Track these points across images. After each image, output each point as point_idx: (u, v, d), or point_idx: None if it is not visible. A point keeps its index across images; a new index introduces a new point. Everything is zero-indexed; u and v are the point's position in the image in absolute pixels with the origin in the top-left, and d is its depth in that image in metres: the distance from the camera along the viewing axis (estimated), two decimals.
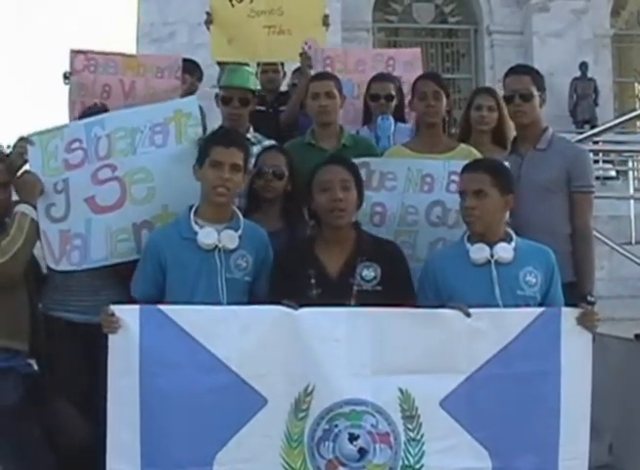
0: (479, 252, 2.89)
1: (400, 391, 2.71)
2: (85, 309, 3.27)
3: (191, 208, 3.00)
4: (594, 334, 2.84)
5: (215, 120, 4.20)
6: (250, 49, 4.65)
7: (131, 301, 2.95)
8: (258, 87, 4.45)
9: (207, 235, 2.91)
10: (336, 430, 2.69)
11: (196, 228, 2.94)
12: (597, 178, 7.94)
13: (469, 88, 11.80)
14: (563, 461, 2.76)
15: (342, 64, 4.76)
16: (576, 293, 3.23)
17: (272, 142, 3.94)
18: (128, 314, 2.71)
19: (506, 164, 3.17)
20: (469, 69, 13.46)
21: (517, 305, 2.85)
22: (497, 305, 2.84)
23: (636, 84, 14.66)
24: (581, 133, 7.95)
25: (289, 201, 3.46)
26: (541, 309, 2.83)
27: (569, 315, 2.81)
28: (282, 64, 5.12)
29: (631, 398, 3.97)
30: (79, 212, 3.19)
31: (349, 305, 2.83)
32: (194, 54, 5.78)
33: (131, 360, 2.68)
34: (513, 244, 2.92)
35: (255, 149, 3.69)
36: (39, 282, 3.34)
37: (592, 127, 10.63)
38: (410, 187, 3.37)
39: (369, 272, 2.90)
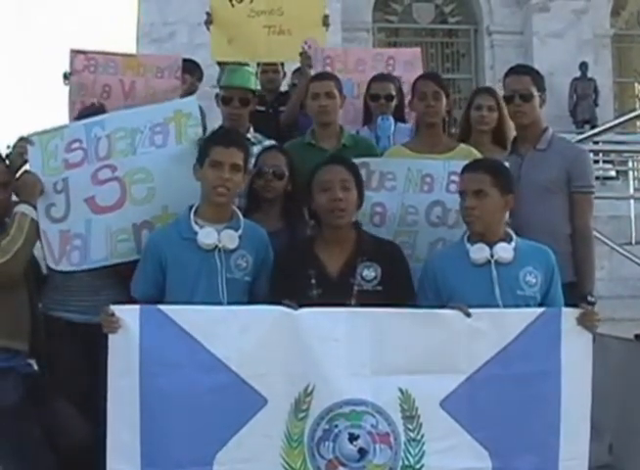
0: (478, 252, 2.89)
1: (400, 391, 2.71)
2: (85, 309, 3.27)
3: (191, 208, 3.00)
4: (594, 334, 2.84)
5: (215, 120, 4.20)
6: (250, 49, 4.65)
7: (131, 301, 2.95)
8: (258, 87, 4.44)
9: (208, 235, 2.91)
10: (336, 430, 2.69)
11: (196, 228, 2.94)
12: (597, 178, 7.92)
13: (469, 88, 11.79)
14: (563, 461, 2.76)
15: (341, 63, 4.76)
16: (577, 293, 3.23)
17: (272, 142, 3.94)
18: (128, 314, 2.71)
19: (506, 164, 3.17)
20: (469, 69, 13.46)
21: (517, 306, 2.85)
22: (497, 306, 2.84)
23: (636, 84, 14.65)
24: (581, 133, 7.95)
25: (289, 201, 3.46)
26: (541, 310, 2.83)
27: (569, 315, 2.81)
28: (282, 64, 5.12)
29: (631, 398, 3.97)
30: (79, 213, 3.18)
31: (350, 305, 2.83)
32: (194, 54, 5.78)
33: (131, 360, 2.68)
34: (513, 244, 2.92)
35: (256, 149, 3.69)
36: (39, 282, 3.34)
37: (592, 127, 10.63)
38: (410, 187, 3.37)
39: (369, 272, 2.90)
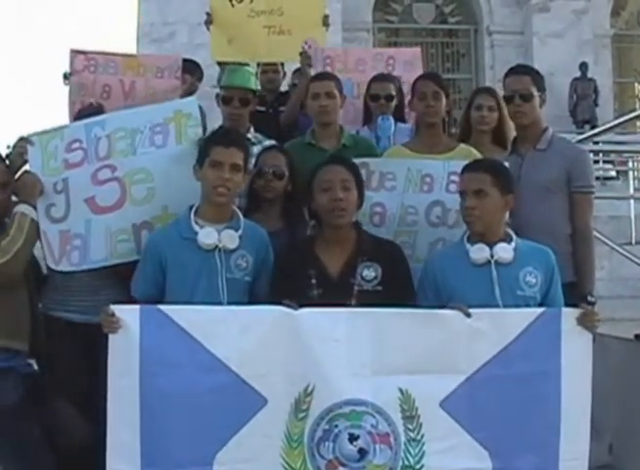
0: (478, 252, 2.89)
1: (400, 391, 2.71)
2: (85, 309, 3.27)
3: (191, 208, 3.00)
4: (594, 334, 2.84)
5: (216, 120, 4.20)
6: (250, 49, 4.65)
7: (131, 301, 2.95)
8: (259, 87, 4.44)
9: (208, 235, 2.91)
10: (336, 430, 2.69)
11: (196, 228, 2.94)
12: (597, 178, 7.92)
13: (469, 88, 11.79)
14: (563, 461, 2.76)
15: (341, 63, 4.76)
16: (577, 293, 3.23)
17: (272, 142, 3.94)
18: (128, 314, 2.71)
19: (506, 164, 3.17)
20: (469, 69, 13.46)
21: (517, 306, 2.85)
22: (497, 306, 2.84)
23: (636, 84, 14.65)
24: (581, 133, 7.95)
25: (289, 201, 3.46)
26: (541, 310, 2.83)
27: (569, 316, 2.81)
28: (282, 64, 5.12)
29: (631, 398, 3.98)
30: (79, 213, 3.18)
31: (350, 305, 2.83)
32: (194, 54, 5.79)
33: (131, 360, 2.68)
34: (513, 244, 2.92)
35: (256, 149, 3.69)
36: (39, 282, 3.33)
37: (592, 128, 10.64)
38: (410, 187, 3.37)
39: (370, 272, 2.90)
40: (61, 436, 3.06)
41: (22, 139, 3.26)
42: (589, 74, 12.23)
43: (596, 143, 8.00)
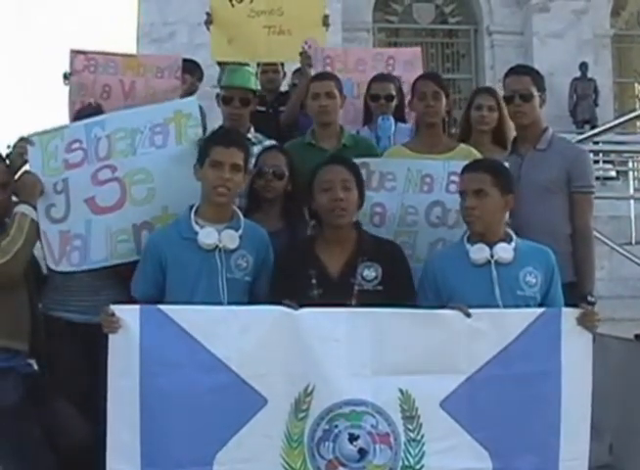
0: (478, 252, 2.89)
1: (400, 391, 2.71)
2: (85, 309, 3.27)
3: (191, 208, 3.00)
4: (594, 334, 2.84)
5: (216, 120, 4.20)
6: (250, 49, 4.65)
7: (131, 301, 2.95)
8: (259, 87, 4.44)
9: (208, 235, 2.91)
10: (336, 430, 2.69)
11: (196, 228, 2.94)
12: (597, 178, 7.91)
13: (469, 88, 11.79)
14: (563, 462, 2.76)
15: (341, 63, 4.76)
16: (577, 293, 3.23)
17: (273, 142, 3.94)
18: (128, 314, 2.71)
19: (506, 164, 3.17)
20: (469, 69, 13.46)
21: (517, 306, 2.85)
22: (497, 306, 2.84)
23: (636, 85, 14.65)
24: (581, 133, 7.95)
25: (289, 201, 3.46)
26: (541, 310, 2.83)
27: (569, 316, 2.81)
28: (282, 64, 5.12)
29: (631, 398, 3.98)
30: (79, 213, 3.18)
31: (350, 305, 2.83)
32: (194, 54, 5.79)
33: (131, 360, 2.68)
34: (513, 244, 2.92)
35: (256, 149, 3.69)
36: (39, 282, 3.33)
37: (592, 128, 10.64)
38: (410, 187, 3.37)
39: (370, 272, 2.90)
40: (61, 436, 3.06)
41: (22, 139, 3.26)
42: (589, 74, 12.23)
43: (596, 143, 8.00)
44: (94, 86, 4.58)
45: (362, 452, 2.69)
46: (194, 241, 2.92)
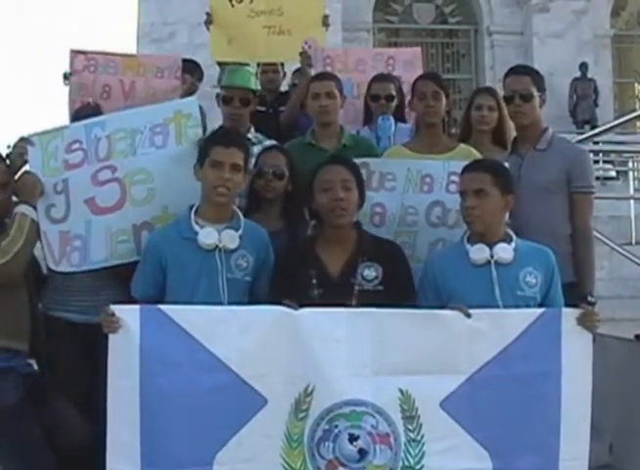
0: (478, 252, 2.89)
1: (400, 391, 2.71)
2: (85, 309, 3.27)
3: (191, 207, 3.00)
4: (594, 334, 2.84)
5: (216, 120, 4.20)
6: (249, 49, 4.65)
7: (131, 301, 2.95)
8: (259, 87, 4.44)
9: (208, 235, 2.91)
10: (336, 430, 2.69)
11: (196, 228, 2.94)
12: (597, 179, 7.93)
13: (469, 88, 11.79)
14: (563, 462, 2.76)
15: (342, 63, 4.76)
16: (577, 293, 3.23)
17: (273, 142, 3.94)
18: (128, 314, 2.71)
19: (506, 164, 3.17)
20: (469, 69, 13.46)
21: (517, 306, 2.85)
22: (497, 306, 2.84)
23: (636, 85, 14.65)
24: (581, 134, 7.95)
25: (289, 201, 3.46)
26: (542, 310, 2.82)
27: (569, 316, 2.81)
28: (282, 64, 5.12)
29: (631, 398, 3.98)
30: (79, 214, 3.18)
31: (351, 305, 2.83)
32: (194, 54, 5.79)
33: (131, 360, 2.68)
34: (513, 244, 2.92)
35: (256, 149, 3.69)
36: (39, 282, 3.33)
37: (592, 128, 10.63)
38: (410, 187, 3.37)
39: (370, 272, 2.90)
40: (61, 436, 3.06)
41: (22, 139, 3.26)
42: (589, 75, 12.23)
43: (596, 143, 8.00)
44: (94, 86, 4.58)
45: (362, 453, 2.68)
46: (194, 241, 2.92)
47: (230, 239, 2.93)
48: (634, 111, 11.27)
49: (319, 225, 3.06)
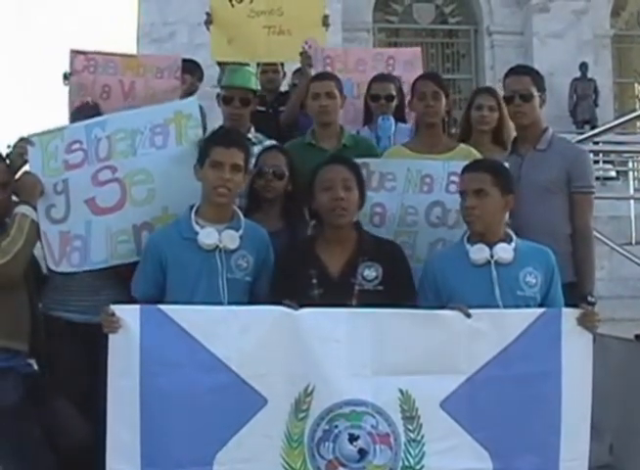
0: (478, 252, 2.89)
1: (400, 391, 2.71)
2: (85, 309, 3.27)
3: (192, 208, 3.00)
4: (594, 334, 2.84)
5: (216, 120, 4.20)
6: (249, 49, 4.65)
7: (131, 301, 2.95)
8: (259, 87, 4.44)
9: (208, 235, 2.91)
10: (336, 430, 2.69)
11: (196, 228, 2.94)
12: (597, 179, 7.93)
13: (469, 89, 11.80)
14: (563, 462, 2.76)
15: (342, 63, 4.76)
16: (577, 293, 3.23)
17: (273, 142, 3.94)
18: (129, 314, 2.71)
19: (506, 164, 3.17)
20: (469, 69, 13.46)
21: (517, 306, 2.85)
22: (497, 306, 2.84)
23: (636, 85, 14.64)
24: (581, 134, 7.94)
25: (289, 201, 3.46)
26: (542, 310, 2.83)
27: (569, 316, 2.81)
28: (282, 64, 5.12)
29: (632, 398, 3.97)
30: (79, 214, 3.18)
31: (351, 305, 2.83)
32: (194, 54, 5.79)
33: (131, 360, 2.68)
34: (513, 244, 2.92)
35: (256, 149, 3.69)
36: (39, 282, 3.33)
37: (592, 128, 10.64)
38: (410, 188, 3.37)
39: (370, 272, 2.90)
40: (61, 436, 3.06)
41: (22, 139, 3.26)
42: (589, 75, 12.23)
43: (596, 143, 7.98)
44: (94, 86, 4.58)
45: (362, 453, 2.69)
46: (194, 241, 2.92)
47: (230, 239, 2.93)
48: (634, 111, 11.27)
49: (319, 225, 3.06)
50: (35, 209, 3.12)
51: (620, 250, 5.71)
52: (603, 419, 3.46)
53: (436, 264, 3.00)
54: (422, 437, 2.71)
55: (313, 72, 4.35)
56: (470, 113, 4.09)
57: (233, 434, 2.68)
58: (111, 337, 2.69)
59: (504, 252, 2.88)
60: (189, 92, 4.66)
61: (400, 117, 4.32)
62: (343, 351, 2.71)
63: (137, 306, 2.77)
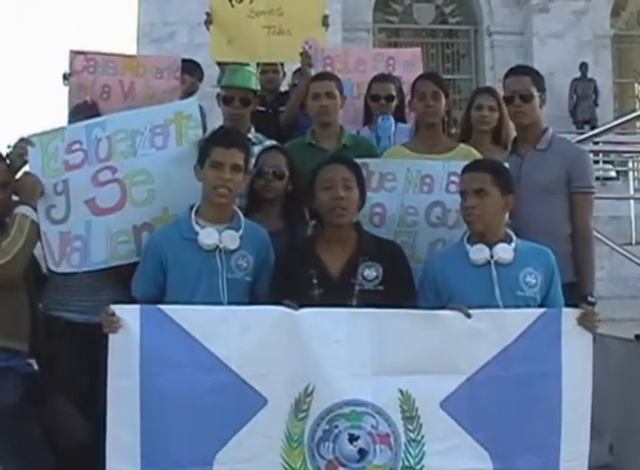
0: (478, 252, 2.89)
1: (400, 391, 2.71)
2: (85, 309, 3.27)
3: (192, 208, 3.00)
4: (594, 334, 2.84)
5: (216, 120, 4.20)
6: (249, 49, 4.65)
7: (131, 301, 2.95)
8: (259, 88, 4.44)
9: (208, 235, 2.91)
10: (336, 430, 2.69)
11: (197, 228, 2.94)
12: (597, 179, 7.94)
13: (469, 89, 11.80)
14: (564, 462, 2.76)
15: (342, 63, 4.76)
16: (577, 293, 3.23)
17: (273, 142, 3.94)
18: (129, 314, 2.71)
19: (506, 164, 3.17)
20: (469, 69, 13.47)
21: (517, 306, 2.85)
22: (497, 306, 2.84)
23: (636, 85, 14.64)
24: (581, 134, 7.94)
25: (289, 201, 3.46)
26: (542, 310, 2.83)
27: (569, 316, 2.81)
28: (282, 64, 5.12)
29: (632, 398, 3.98)
30: (79, 214, 3.18)
31: (351, 305, 2.83)
32: (194, 54, 5.79)
33: (131, 360, 2.68)
34: (513, 245, 2.92)
35: (257, 149, 3.69)
36: (39, 282, 3.33)
37: (592, 128, 10.63)
38: (410, 188, 3.37)
39: (371, 272, 2.90)
40: (61, 436, 3.06)
41: (22, 140, 3.26)
42: (589, 75, 12.23)
43: (596, 143, 7.98)
44: (93, 87, 4.58)
45: (362, 453, 2.69)
46: (194, 241, 2.92)
47: (230, 239, 2.93)
48: (634, 111, 11.28)
49: (319, 225, 3.06)
50: (35, 209, 3.12)
51: (620, 250, 5.71)
52: (603, 419, 3.46)
53: (436, 265, 3.00)
54: (422, 437, 2.71)
55: (313, 73, 4.35)
56: (470, 113, 4.09)
57: (233, 434, 2.68)
58: (111, 337, 2.69)
59: (504, 252, 2.88)
60: (189, 92, 4.66)
61: (400, 118, 4.32)
62: (344, 351, 2.71)
63: (137, 306, 2.77)
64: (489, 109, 4.00)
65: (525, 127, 3.56)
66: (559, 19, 12.23)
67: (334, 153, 3.55)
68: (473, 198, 2.90)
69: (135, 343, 2.68)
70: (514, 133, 3.76)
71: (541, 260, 2.94)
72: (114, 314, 2.70)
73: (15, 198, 3.19)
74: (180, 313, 2.72)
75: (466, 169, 3.00)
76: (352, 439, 2.69)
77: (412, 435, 2.71)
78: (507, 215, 3.01)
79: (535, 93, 3.51)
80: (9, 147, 3.31)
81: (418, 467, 2.70)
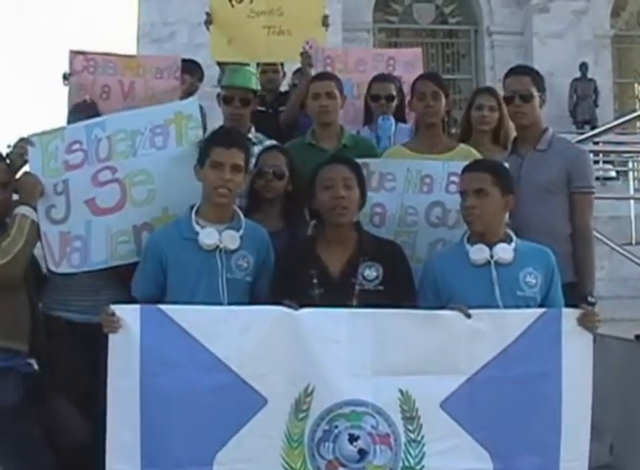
0: (478, 252, 2.89)
1: (400, 392, 2.71)
2: (85, 309, 3.27)
3: (192, 208, 3.00)
4: (595, 335, 2.84)
5: (216, 120, 4.20)
6: (249, 49, 4.65)
7: (131, 301, 2.95)
8: (259, 88, 4.44)
9: (209, 235, 2.91)
10: (336, 431, 2.69)
11: (197, 228, 2.94)
12: (597, 179, 7.93)
13: (469, 89, 11.81)
14: (564, 462, 2.76)
15: (342, 63, 4.76)
16: (577, 293, 3.23)
17: (273, 142, 3.94)
18: (129, 314, 2.71)
19: (506, 164, 3.17)
20: (469, 69, 13.47)
21: (517, 306, 2.85)
22: (497, 306, 2.84)
23: (636, 85, 14.65)
24: (581, 134, 7.94)
25: (289, 201, 3.46)
26: (542, 310, 2.82)
27: (569, 316, 2.81)
28: (282, 64, 5.12)
29: (632, 398, 3.98)
30: (79, 214, 3.18)
31: (351, 305, 2.83)
32: (194, 54, 5.79)
33: (131, 360, 2.68)
34: (513, 245, 2.92)
35: (257, 149, 3.69)
36: (39, 282, 3.33)
37: (592, 128, 10.63)
38: (409, 188, 3.37)
39: (371, 272, 2.90)
40: (61, 436, 3.06)
41: (22, 139, 3.26)
42: (589, 75, 12.24)
43: (596, 143, 7.97)
44: (93, 87, 4.58)
45: (362, 453, 2.69)
46: (194, 241, 2.92)
47: (231, 239, 2.93)
48: (634, 111, 11.29)
49: (319, 225, 3.06)
50: (35, 209, 3.12)
51: (620, 250, 5.71)
52: (603, 419, 3.46)
53: (436, 265, 3.00)
54: (422, 437, 2.71)
55: (313, 73, 4.35)
56: (470, 113, 4.09)
57: (233, 434, 2.68)
58: (111, 337, 2.69)
59: (504, 252, 2.88)
60: (189, 92, 4.66)
61: (400, 118, 4.32)
62: (344, 351, 2.71)
63: (137, 306, 2.77)
64: (489, 109, 4.00)
65: (525, 127, 3.56)
66: (559, 19, 12.24)
67: (334, 153, 3.55)
68: (473, 198, 2.90)
69: (135, 343, 2.68)
70: (514, 133, 3.76)
71: (541, 261, 2.93)
72: (114, 314, 2.70)
73: (15, 197, 3.19)
74: (180, 313, 2.72)
75: (466, 169, 3.00)
76: (352, 439, 2.69)
77: (412, 435, 2.71)
78: (507, 215, 3.01)
79: (535, 93, 3.51)
80: (9, 147, 3.31)
81: (418, 467, 2.70)
